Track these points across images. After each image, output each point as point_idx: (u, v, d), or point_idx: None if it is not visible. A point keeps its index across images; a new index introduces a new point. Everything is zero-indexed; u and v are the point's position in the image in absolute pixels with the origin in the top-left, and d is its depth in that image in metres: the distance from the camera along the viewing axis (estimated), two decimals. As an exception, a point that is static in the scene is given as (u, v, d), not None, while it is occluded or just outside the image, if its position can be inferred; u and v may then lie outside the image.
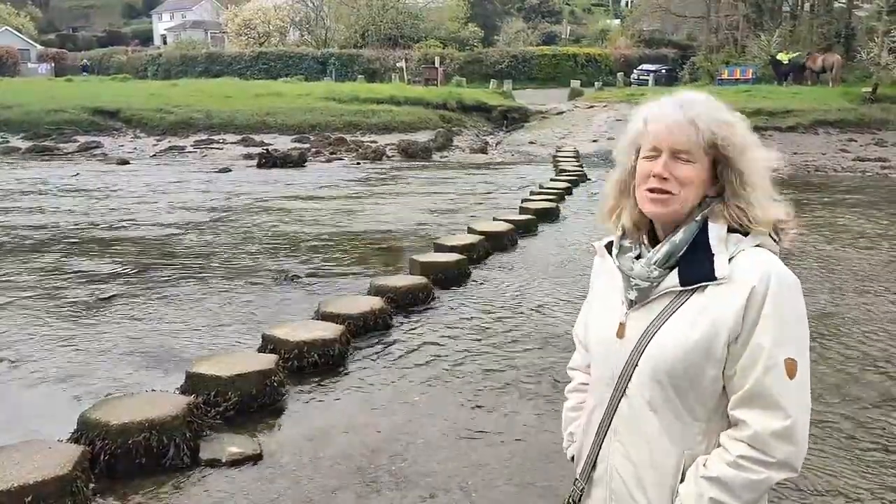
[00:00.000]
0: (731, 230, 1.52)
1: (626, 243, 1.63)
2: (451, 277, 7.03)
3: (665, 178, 1.51)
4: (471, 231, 8.73)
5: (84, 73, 44.64)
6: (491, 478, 3.61)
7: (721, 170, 1.53)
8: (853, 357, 5.18)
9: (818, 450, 3.82)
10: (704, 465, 1.48)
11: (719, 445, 1.50)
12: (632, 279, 1.57)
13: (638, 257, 1.59)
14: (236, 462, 3.69)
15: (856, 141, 20.53)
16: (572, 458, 1.80)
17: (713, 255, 1.49)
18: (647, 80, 35.47)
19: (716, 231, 1.52)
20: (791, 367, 1.44)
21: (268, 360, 4.52)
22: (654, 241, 1.60)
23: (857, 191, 14.43)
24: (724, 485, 1.44)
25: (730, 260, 1.49)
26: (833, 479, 3.59)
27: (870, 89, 23.85)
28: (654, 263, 1.54)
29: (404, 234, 9.73)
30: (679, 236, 1.53)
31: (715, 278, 1.47)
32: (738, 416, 1.47)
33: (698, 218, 1.53)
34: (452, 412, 4.35)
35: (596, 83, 34.98)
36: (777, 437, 1.43)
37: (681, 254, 1.52)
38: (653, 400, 1.52)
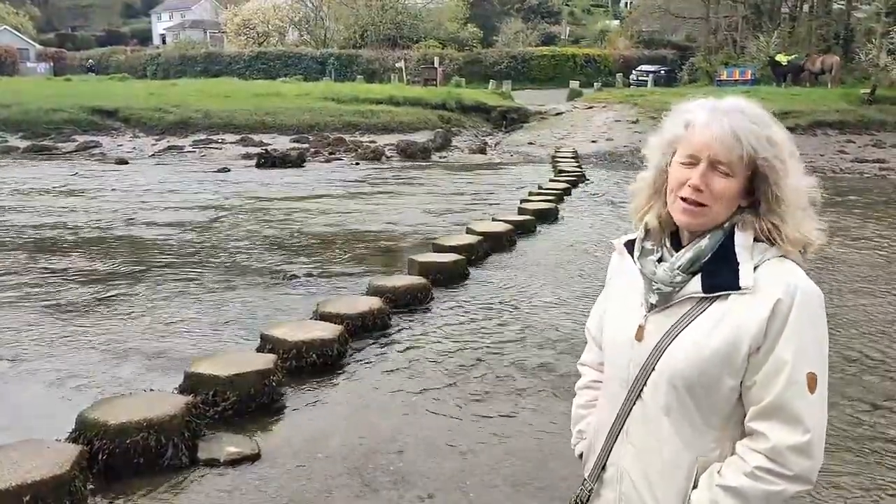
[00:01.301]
0: (756, 239, 1.50)
1: (649, 245, 1.60)
2: (450, 278, 7.03)
3: (700, 190, 1.48)
4: (469, 231, 8.73)
5: (90, 73, 44.50)
6: (489, 478, 3.61)
7: (758, 184, 1.49)
8: (852, 358, 5.19)
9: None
10: (720, 473, 1.47)
11: (733, 453, 1.49)
12: (654, 283, 1.55)
13: (660, 260, 1.57)
14: (234, 462, 3.69)
15: (854, 142, 20.56)
16: (580, 455, 1.79)
17: (738, 263, 1.47)
18: (647, 80, 35.49)
19: (742, 239, 1.50)
20: (812, 382, 1.44)
21: (266, 360, 4.52)
22: (676, 242, 1.58)
23: (855, 192, 14.45)
24: (740, 495, 1.43)
25: (754, 269, 1.47)
26: (831, 479, 3.60)
27: (868, 91, 23.88)
28: (678, 268, 1.52)
29: (403, 234, 9.73)
30: (705, 242, 1.51)
31: (739, 287, 1.45)
32: (756, 428, 1.46)
33: (726, 225, 1.51)
34: (450, 412, 4.35)
35: (595, 84, 35.00)
36: (795, 451, 1.42)
37: (705, 260, 1.51)
38: (668, 405, 1.51)
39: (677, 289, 1.52)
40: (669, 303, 1.53)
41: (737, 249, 1.49)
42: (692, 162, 1.49)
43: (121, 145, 21.01)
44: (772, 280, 1.45)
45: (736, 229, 1.51)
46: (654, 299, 1.55)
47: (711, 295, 1.49)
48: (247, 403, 4.23)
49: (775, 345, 1.43)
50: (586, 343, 1.88)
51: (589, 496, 1.67)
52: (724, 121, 1.47)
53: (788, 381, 1.42)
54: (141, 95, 25.65)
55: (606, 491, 1.64)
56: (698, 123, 1.50)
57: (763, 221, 1.49)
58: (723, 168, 1.47)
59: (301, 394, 4.56)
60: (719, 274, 1.48)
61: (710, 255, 1.50)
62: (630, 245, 1.67)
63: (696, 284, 1.50)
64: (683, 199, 1.50)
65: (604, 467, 1.64)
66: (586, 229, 10.08)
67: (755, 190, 1.50)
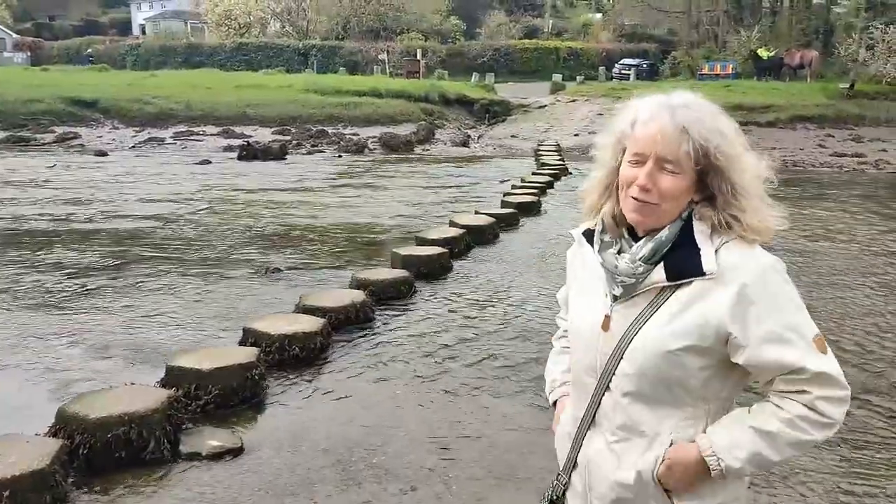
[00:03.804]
0: (714, 229, 1.51)
1: (607, 238, 1.61)
2: (433, 271, 7.04)
3: (648, 190, 1.48)
4: (452, 224, 8.73)
5: (90, 63, 43.78)
6: (471, 470, 3.63)
7: (711, 179, 1.49)
8: (829, 350, 5.25)
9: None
10: (750, 414, 1.49)
11: (705, 430, 1.51)
12: (616, 276, 1.55)
13: (619, 252, 1.58)
14: (217, 455, 3.68)
15: (833, 136, 20.78)
16: (554, 403, 1.82)
17: (699, 249, 1.49)
18: (629, 74, 35.58)
19: (700, 227, 1.51)
20: (821, 344, 1.47)
21: (248, 354, 4.50)
22: (634, 234, 1.58)
23: (833, 186, 14.61)
24: (772, 439, 1.45)
25: (716, 252, 1.48)
26: (805, 470, 3.65)
27: (848, 85, 24.12)
28: (640, 259, 1.52)
29: (386, 228, 9.72)
30: (664, 233, 1.52)
31: (703, 273, 1.47)
32: (792, 388, 1.47)
33: (684, 215, 1.52)
34: (433, 405, 4.37)
35: (578, 77, 35.06)
36: (836, 402, 1.47)
37: (666, 249, 1.52)
38: (638, 392, 1.53)
39: (640, 279, 1.53)
40: (633, 293, 1.54)
41: (696, 237, 1.50)
42: (639, 160, 1.50)
43: (100, 137, 20.78)
44: (734, 263, 1.46)
45: (693, 219, 1.52)
46: (617, 291, 1.56)
47: (675, 283, 1.50)
48: (229, 397, 4.21)
49: (764, 326, 1.43)
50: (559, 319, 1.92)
51: (564, 490, 1.69)
52: (668, 116, 1.47)
53: (805, 351, 1.44)
54: (121, 86, 25.35)
55: (578, 481, 1.66)
56: (642, 120, 1.50)
57: (721, 215, 1.50)
58: (669, 167, 1.47)
59: (284, 387, 4.55)
60: (682, 261, 1.49)
61: (670, 245, 1.51)
62: (588, 234, 1.67)
63: (659, 274, 1.51)
64: (634, 199, 1.51)
65: (576, 459, 1.66)
66: (569, 222, 10.09)
67: (708, 185, 1.50)
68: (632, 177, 1.51)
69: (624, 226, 1.60)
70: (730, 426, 1.50)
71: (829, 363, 1.47)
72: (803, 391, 1.46)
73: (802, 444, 1.48)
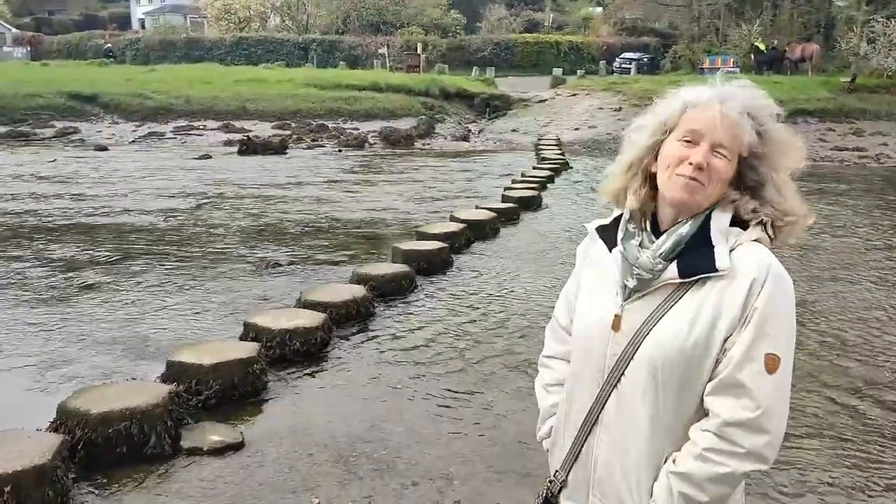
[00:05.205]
0: (732, 223, 1.50)
1: (631, 227, 1.58)
2: (433, 265, 7.04)
3: (702, 169, 1.47)
4: (453, 219, 8.73)
5: (109, 58, 43.58)
6: (472, 465, 3.63)
7: (758, 166, 1.50)
8: (829, 344, 5.25)
9: (793, 436, 3.88)
10: (674, 460, 1.48)
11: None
12: (634, 268, 1.53)
13: (640, 245, 1.55)
14: (218, 451, 3.68)
15: (834, 130, 20.72)
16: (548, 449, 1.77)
17: (714, 246, 1.47)
18: (630, 68, 35.47)
19: (718, 222, 1.49)
20: (772, 363, 1.42)
21: (249, 349, 4.51)
22: (654, 227, 1.57)
23: (835, 180, 14.59)
24: (690, 479, 1.44)
25: (730, 252, 1.47)
26: (807, 465, 3.65)
27: (849, 79, 24.04)
28: (660, 256, 1.50)
29: (386, 222, 9.71)
30: (686, 229, 1.50)
31: (716, 270, 1.45)
32: (709, 405, 1.46)
33: (708, 211, 1.51)
34: (434, 400, 4.37)
35: (578, 71, 34.96)
36: (744, 426, 1.41)
37: (682, 246, 1.50)
38: (645, 393, 1.49)
39: (656, 276, 1.51)
40: (647, 289, 1.52)
41: (712, 233, 1.49)
42: (692, 140, 1.49)
43: (100, 131, 20.75)
44: (747, 263, 1.45)
45: (715, 210, 1.51)
46: (632, 283, 1.53)
47: (688, 280, 1.48)
48: (230, 392, 4.22)
49: (744, 326, 1.43)
50: (554, 333, 1.84)
51: (560, 488, 1.65)
52: (728, 102, 1.48)
53: (743, 358, 1.42)
54: (120, 81, 25.31)
55: (579, 481, 1.62)
56: (700, 104, 1.50)
57: (758, 201, 1.50)
58: (723, 151, 1.47)
59: (285, 382, 4.56)
60: (695, 259, 1.47)
61: (686, 242, 1.50)
62: (602, 230, 1.65)
63: (672, 270, 1.49)
64: (682, 176, 1.49)
65: (577, 457, 1.62)
66: (569, 217, 10.11)
67: (754, 173, 1.51)
68: (682, 155, 1.49)
69: (648, 217, 1.58)
70: (664, 475, 1.48)
71: (758, 384, 1.41)
72: (715, 413, 1.43)
73: (722, 477, 1.43)
